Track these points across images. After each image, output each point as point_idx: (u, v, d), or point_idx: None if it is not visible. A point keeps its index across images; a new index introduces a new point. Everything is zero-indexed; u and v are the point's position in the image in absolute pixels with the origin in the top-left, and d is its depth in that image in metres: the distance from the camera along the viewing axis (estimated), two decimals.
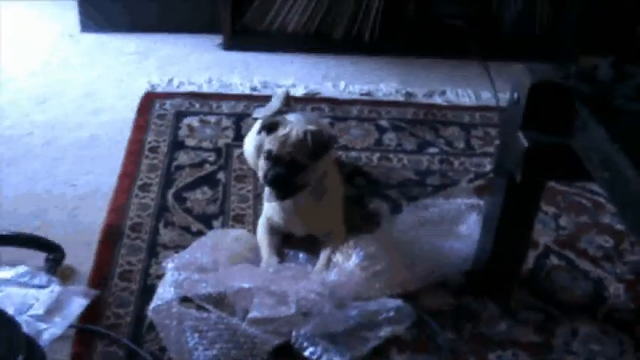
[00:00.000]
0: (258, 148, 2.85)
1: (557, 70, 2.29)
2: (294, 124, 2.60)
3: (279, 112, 2.98)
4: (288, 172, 2.55)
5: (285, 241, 2.74)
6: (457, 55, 3.99)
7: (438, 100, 3.70)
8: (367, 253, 2.53)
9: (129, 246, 2.74)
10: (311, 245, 2.74)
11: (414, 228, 2.77)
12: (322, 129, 2.75)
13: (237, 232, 2.74)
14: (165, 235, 2.78)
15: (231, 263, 2.55)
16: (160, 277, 2.58)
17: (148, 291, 2.55)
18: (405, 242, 2.69)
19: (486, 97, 3.70)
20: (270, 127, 2.62)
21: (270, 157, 2.57)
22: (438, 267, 2.63)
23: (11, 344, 1.82)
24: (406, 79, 3.84)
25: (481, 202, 2.88)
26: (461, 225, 2.80)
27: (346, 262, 2.53)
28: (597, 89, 2.15)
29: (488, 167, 3.23)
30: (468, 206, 2.88)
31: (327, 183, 2.70)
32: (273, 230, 2.74)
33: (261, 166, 2.66)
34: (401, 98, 3.68)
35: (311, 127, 2.60)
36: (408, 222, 2.81)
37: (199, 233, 2.77)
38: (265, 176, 2.58)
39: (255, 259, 2.66)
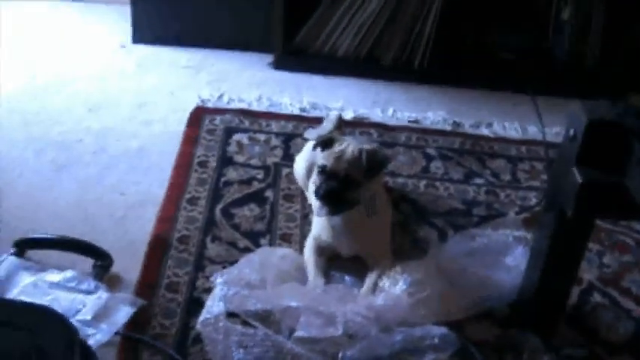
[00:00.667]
0: (310, 168, 2.89)
1: (612, 107, 2.30)
2: (350, 142, 2.63)
3: (331, 134, 2.95)
4: (342, 188, 2.57)
5: (331, 264, 2.75)
6: (506, 87, 3.96)
7: (484, 131, 3.65)
8: (414, 280, 2.54)
9: (176, 258, 2.75)
10: (357, 269, 2.74)
11: (461, 257, 2.77)
12: (377, 149, 2.77)
13: (284, 251, 2.74)
14: (212, 249, 2.78)
15: (278, 281, 2.54)
16: (206, 290, 2.60)
17: (194, 303, 2.57)
18: (451, 271, 2.68)
19: (533, 131, 3.65)
20: (325, 144, 2.65)
21: (324, 171, 2.59)
22: (483, 297, 2.61)
23: (69, 345, 1.85)
24: (454, 108, 3.81)
25: (528, 235, 2.87)
26: (508, 256, 2.79)
27: (393, 288, 2.54)
28: None
29: (534, 201, 3.22)
30: (515, 238, 2.87)
31: (377, 204, 2.71)
32: (320, 251, 2.74)
33: (314, 181, 2.70)
34: (448, 127, 3.66)
35: (367, 146, 2.63)
36: (455, 251, 2.81)
37: (246, 250, 2.77)
38: (318, 190, 2.59)
39: (301, 278, 2.66)
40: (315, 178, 2.67)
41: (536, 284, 2.54)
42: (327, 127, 3.11)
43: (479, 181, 3.34)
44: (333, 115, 3.22)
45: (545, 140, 3.50)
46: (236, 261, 2.68)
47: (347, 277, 2.69)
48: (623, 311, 2.76)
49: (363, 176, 2.59)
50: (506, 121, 3.75)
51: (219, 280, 2.52)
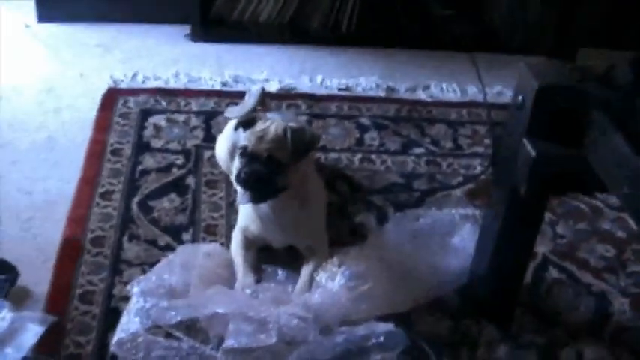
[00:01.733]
0: (232, 149, 2.63)
1: (564, 69, 2.07)
2: (274, 120, 2.41)
3: (254, 111, 2.71)
4: (265, 171, 2.33)
5: (261, 255, 2.53)
6: (441, 46, 3.80)
7: (421, 95, 3.49)
8: (354, 272, 2.30)
9: (90, 263, 2.49)
10: (290, 259, 2.52)
11: (404, 241, 2.54)
12: (304, 127, 2.57)
13: (209, 247, 2.50)
14: (130, 250, 2.54)
15: (203, 284, 2.29)
16: (124, 299, 2.33)
17: (111, 314, 2.31)
18: (394, 258, 2.46)
19: (473, 92, 3.51)
20: (247, 124, 2.41)
21: (245, 153, 2.35)
22: (431, 285, 2.41)
23: None
24: (388, 72, 3.64)
25: (476, 212, 2.67)
26: (455, 237, 2.57)
27: (331, 282, 2.30)
28: (616, 93, 1.91)
29: (479, 169, 3.03)
30: (462, 216, 2.65)
31: (309, 188, 2.49)
32: (248, 243, 2.51)
33: (236, 165, 2.43)
34: (382, 93, 3.48)
35: (292, 124, 2.41)
36: (398, 234, 2.58)
37: (167, 247, 2.55)
38: (239, 175, 2.34)
39: (229, 277, 2.42)
40: (236, 162, 2.44)
41: (487, 267, 2.32)
42: (249, 103, 2.82)
43: (418, 150, 3.13)
44: (255, 89, 2.91)
45: (487, 101, 3.36)
46: (157, 261, 2.44)
47: (280, 271, 2.47)
48: (582, 287, 2.57)
49: (289, 158, 2.34)
50: (443, 83, 3.59)
51: (135, 289, 2.25)
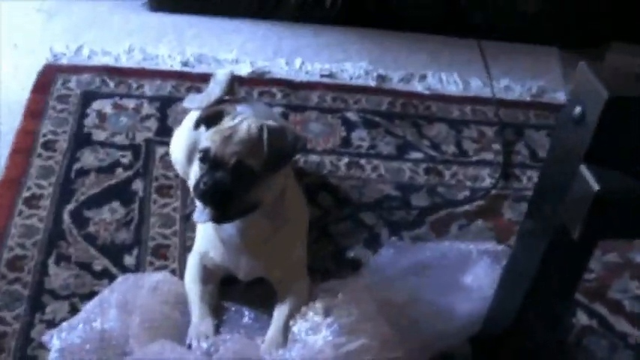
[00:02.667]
0: (192, 150, 2.20)
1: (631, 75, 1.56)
2: (246, 116, 1.95)
3: (220, 102, 2.21)
4: (232, 182, 1.86)
5: (223, 290, 2.08)
6: (442, 30, 3.28)
7: (418, 87, 3.01)
8: (343, 324, 1.80)
9: (3, 293, 2.02)
10: (260, 296, 2.08)
11: (404, 277, 2.09)
12: (285, 126, 2.10)
13: (156, 278, 2.03)
14: (57, 276, 2.08)
15: (146, 333, 1.81)
16: (45, 347, 1.86)
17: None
18: (393, 300, 1.99)
19: (477, 85, 3.03)
20: (210, 119, 1.96)
21: (207, 158, 1.88)
22: (439, 335, 1.97)
23: None
24: (378, 57, 3.13)
25: (499, 249, 2.22)
26: (467, 274, 2.12)
27: (313, 336, 1.80)
28: None
29: (488, 181, 2.59)
30: (480, 252, 2.17)
31: (286, 204, 2.02)
32: (207, 274, 2.04)
33: (195, 172, 1.98)
34: (372, 83, 2.98)
35: (270, 123, 1.95)
36: (396, 267, 2.12)
37: (104, 274, 2.10)
38: (198, 185, 1.87)
39: (180, 319, 1.96)
40: (195, 168, 2.00)
41: (512, 315, 1.86)
42: (214, 91, 2.30)
43: (416, 155, 2.67)
44: (222, 73, 2.38)
45: (495, 98, 2.95)
46: (91, 294, 1.99)
47: (247, 313, 2.01)
48: (617, 337, 2.16)
49: (263, 166, 1.88)
50: (443, 73, 3.08)
51: (55, 344, 1.73)
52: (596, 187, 1.49)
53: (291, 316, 1.93)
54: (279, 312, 1.97)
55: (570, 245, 1.63)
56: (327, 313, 1.85)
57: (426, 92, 2.99)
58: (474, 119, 2.87)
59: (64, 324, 1.85)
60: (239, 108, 2.07)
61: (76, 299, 2.00)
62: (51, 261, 2.11)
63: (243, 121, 1.91)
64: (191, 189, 2.04)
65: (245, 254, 2.01)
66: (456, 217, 2.43)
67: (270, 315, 1.99)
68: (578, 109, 1.54)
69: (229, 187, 1.86)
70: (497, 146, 2.73)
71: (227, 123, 1.91)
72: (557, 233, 1.65)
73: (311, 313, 1.85)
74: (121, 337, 1.80)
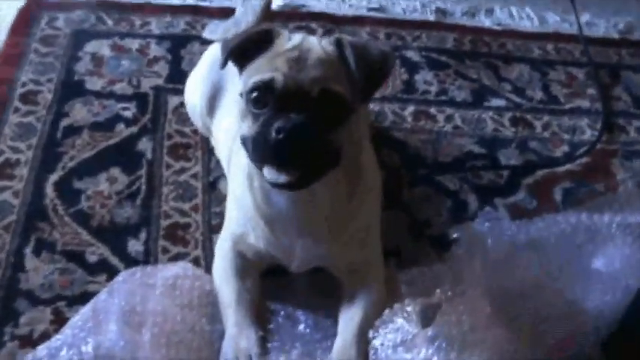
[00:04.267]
0: (213, 94, 1.79)
1: None
2: (304, 37, 1.49)
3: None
4: (318, 120, 1.38)
5: (267, 287, 1.57)
6: None
7: (485, 21, 2.59)
8: (451, 337, 1.23)
9: None
10: (320, 293, 1.58)
11: (513, 259, 1.60)
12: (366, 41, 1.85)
13: (173, 272, 1.52)
14: (37, 271, 1.58)
15: (163, 353, 1.22)
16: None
17: None
18: (509, 288, 1.53)
19: (554, 20, 2.63)
20: (245, 50, 1.47)
21: (270, 94, 1.40)
22: (569, 335, 1.51)
23: None
24: None
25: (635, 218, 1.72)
26: (598, 256, 1.63)
27: (405, 354, 1.25)
28: None
29: (588, 133, 2.14)
30: (611, 226, 1.67)
31: (363, 161, 1.55)
32: (246, 265, 1.55)
33: (248, 123, 1.43)
34: (431, 17, 2.55)
35: (345, 36, 1.49)
36: (501, 246, 1.63)
37: (101, 268, 1.61)
38: (263, 137, 1.38)
39: (210, 330, 1.45)
40: (248, 114, 1.43)
41: None
42: (245, 17, 1.86)
43: (497, 102, 2.22)
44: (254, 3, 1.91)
45: (582, 34, 2.53)
46: (83, 295, 1.52)
47: (302, 317, 1.52)
48: None
49: (352, 94, 1.41)
50: (512, 6, 2.69)
51: None
52: None
53: (367, 322, 1.44)
54: (349, 316, 1.48)
55: None
56: (424, 319, 1.29)
57: (497, 27, 2.56)
58: (559, 59, 2.44)
59: (40, 348, 1.35)
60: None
61: (61, 304, 1.52)
62: (28, 250, 1.64)
63: (306, 38, 1.46)
64: (246, 147, 1.45)
65: (303, 235, 1.50)
66: (558, 179, 2.00)
67: (335, 321, 1.51)
68: None
69: (316, 132, 1.37)
70: (591, 91, 2.30)
71: (284, 44, 1.44)
72: None
73: (400, 321, 1.30)
74: (126, 352, 1.25)
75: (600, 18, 2.67)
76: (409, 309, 1.32)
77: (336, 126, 1.38)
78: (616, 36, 2.58)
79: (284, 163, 1.37)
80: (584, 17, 2.64)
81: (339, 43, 1.42)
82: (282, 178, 1.37)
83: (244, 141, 1.42)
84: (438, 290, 1.38)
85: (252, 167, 1.44)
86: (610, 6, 2.71)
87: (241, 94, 1.43)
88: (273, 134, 1.35)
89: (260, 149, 1.39)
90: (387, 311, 1.40)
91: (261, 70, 1.41)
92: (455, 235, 1.70)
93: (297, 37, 1.44)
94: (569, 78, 2.35)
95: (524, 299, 1.51)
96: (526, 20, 2.65)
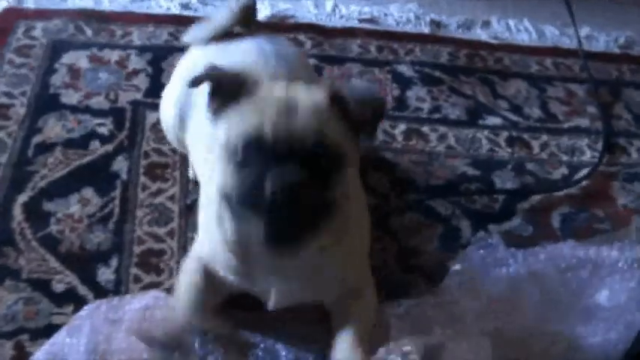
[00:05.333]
0: (184, 104, 1.65)
1: None
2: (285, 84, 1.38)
3: (228, 33, 1.75)
4: (313, 175, 1.28)
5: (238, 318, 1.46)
6: None
7: (482, 35, 2.51)
8: None
9: None
10: (303, 321, 1.49)
11: (510, 292, 1.54)
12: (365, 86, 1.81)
13: (144, 302, 1.41)
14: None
15: None
16: None
17: None
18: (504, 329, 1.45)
19: (553, 34, 2.57)
20: (220, 88, 1.34)
21: (260, 146, 1.27)
22: None
23: None
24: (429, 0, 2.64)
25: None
26: (601, 290, 1.56)
27: None
28: None
29: (588, 154, 2.06)
30: (615, 259, 1.60)
31: (351, 202, 1.42)
32: (216, 285, 1.43)
33: (231, 175, 1.30)
34: (425, 29, 2.47)
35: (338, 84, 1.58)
36: (496, 278, 1.57)
37: (69, 298, 1.51)
38: (254, 192, 1.26)
39: None
40: (225, 165, 1.31)
41: None
42: (221, 18, 1.77)
43: (493, 120, 2.12)
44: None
45: (582, 48, 2.42)
46: (48, 330, 1.42)
47: (283, 352, 1.43)
48: None
49: (347, 144, 1.33)
50: (509, 18, 2.61)
51: None
52: None
53: (365, 332, 1.40)
54: (338, 352, 1.38)
55: None
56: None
57: (494, 41, 2.48)
58: (557, 75, 2.37)
59: None
60: (255, 44, 1.67)
61: (24, 337, 1.41)
62: None
63: (292, 85, 1.35)
64: (229, 204, 1.33)
65: (282, 281, 1.40)
66: (556, 204, 1.90)
67: (317, 356, 1.43)
68: None
69: (313, 188, 1.27)
70: (591, 109, 2.23)
71: (268, 91, 1.32)
72: None
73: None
74: None
75: (601, 31, 2.58)
76: (407, 349, 1.22)
77: (332, 179, 1.28)
78: (617, 51, 2.51)
79: (276, 223, 1.26)
80: (584, 31, 2.58)
81: (334, 90, 1.31)
82: (274, 238, 1.27)
83: (227, 197, 1.30)
84: (437, 330, 1.30)
85: (227, 212, 1.33)
86: (610, 19, 2.65)
87: (221, 144, 1.31)
88: (267, 194, 1.24)
89: (249, 208, 1.27)
90: (381, 350, 1.29)
91: (246, 120, 1.29)
92: (456, 267, 1.58)
93: (281, 84, 1.34)
94: (569, 95, 2.28)
95: (527, 343, 1.42)
96: (524, 33, 2.58)
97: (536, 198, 1.89)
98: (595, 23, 2.62)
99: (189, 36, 1.82)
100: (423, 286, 1.59)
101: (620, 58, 2.46)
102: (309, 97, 1.31)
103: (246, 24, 1.77)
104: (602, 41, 2.55)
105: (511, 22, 2.60)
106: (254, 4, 1.81)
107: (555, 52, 2.47)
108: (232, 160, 1.29)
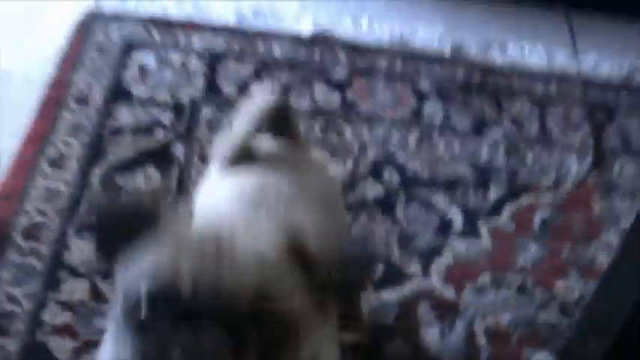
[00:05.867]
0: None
1: None
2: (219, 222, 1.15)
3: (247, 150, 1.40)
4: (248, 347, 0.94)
5: None
6: None
7: (497, 57, 2.67)
8: None
9: (16, 266, 1.75)
10: None
11: None
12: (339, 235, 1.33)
13: None
14: (79, 250, 1.79)
15: None
16: (59, 331, 1.62)
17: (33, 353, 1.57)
18: None
19: (562, 60, 2.69)
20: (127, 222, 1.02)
21: (170, 305, 0.93)
22: None
23: None
24: (454, 22, 2.77)
25: None
26: None
27: None
28: None
29: (574, 168, 2.29)
30: None
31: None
32: None
33: (123, 340, 0.97)
34: (447, 48, 2.65)
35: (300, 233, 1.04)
36: None
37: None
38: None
39: None
40: (118, 328, 1.00)
41: (612, 328, 1.57)
42: (241, 128, 1.43)
43: (496, 132, 2.36)
44: (257, 102, 1.46)
45: (581, 73, 2.63)
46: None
47: None
48: None
49: (302, 312, 0.98)
50: (525, 42, 2.75)
51: None
52: None
53: None
54: None
55: None
56: None
57: (507, 64, 2.66)
58: (559, 97, 2.56)
59: None
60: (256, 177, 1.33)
61: (98, 278, 1.73)
62: (73, 231, 1.83)
63: (232, 224, 1.10)
64: None
65: None
66: (539, 207, 2.14)
67: None
68: None
69: None
70: (585, 129, 2.44)
71: (193, 229, 1.02)
72: None
73: None
74: None
75: (605, 60, 2.69)
76: None
77: (275, 350, 0.94)
78: (618, 79, 2.65)
79: None
80: (591, 58, 2.71)
81: (293, 241, 0.99)
82: None
83: None
84: None
85: None
86: (618, 47, 2.78)
87: (118, 300, 0.96)
88: None
89: None
90: None
91: (154, 266, 0.94)
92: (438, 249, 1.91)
93: (223, 222, 1.09)
94: (566, 115, 2.46)
95: None
96: (536, 56, 2.70)
97: (523, 201, 2.12)
98: (603, 51, 2.74)
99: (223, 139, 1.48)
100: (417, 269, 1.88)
101: (621, 87, 2.61)
102: (253, 240, 0.98)
103: (280, 132, 1.45)
104: (605, 69, 2.67)
105: (526, 46, 2.73)
106: (286, 104, 1.51)
107: (561, 77, 2.61)
108: (130, 320, 0.94)
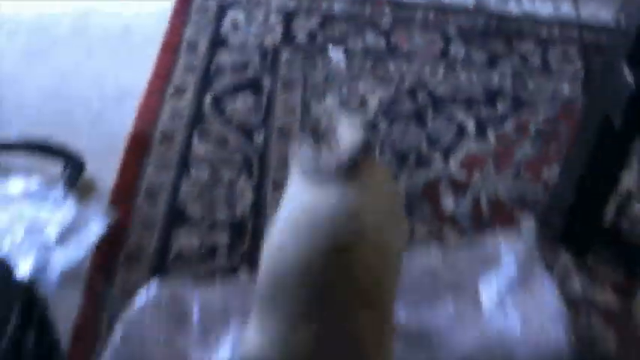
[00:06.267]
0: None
1: None
2: None
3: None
4: None
5: None
6: None
7: (513, 8, 3.24)
8: None
9: (158, 158, 2.45)
10: None
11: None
12: None
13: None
14: (200, 147, 2.47)
15: None
16: (190, 201, 2.31)
17: (176, 215, 2.27)
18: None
19: (567, 10, 3.20)
20: None
21: None
22: None
23: (6, 294, 1.48)
24: None
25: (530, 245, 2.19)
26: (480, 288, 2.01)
27: None
28: None
29: (567, 92, 2.84)
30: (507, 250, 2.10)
31: None
32: None
33: None
34: (470, 6, 3.24)
35: None
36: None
37: (237, 148, 2.46)
38: None
39: None
40: None
41: (569, 197, 2.21)
42: (347, 135, 1.49)
43: (506, 65, 2.94)
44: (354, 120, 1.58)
45: (580, 21, 3.17)
46: (228, 162, 2.38)
47: None
48: None
49: None
50: None
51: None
52: (632, 83, 1.84)
53: None
54: None
55: (615, 136, 1.99)
56: None
57: (520, 14, 3.20)
58: (560, 39, 3.10)
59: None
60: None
61: (215, 164, 2.40)
62: (195, 136, 2.47)
63: None
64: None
65: None
66: (535, 119, 2.67)
67: None
68: (622, 17, 1.90)
69: None
70: (578, 65, 2.98)
71: None
72: (604, 123, 1.99)
73: None
74: None
75: (602, 9, 3.15)
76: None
77: None
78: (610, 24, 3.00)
79: None
80: (592, 6, 3.19)
81: None
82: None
83: None
84: None
85: None
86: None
87: None
88: None
89: None
90: None
91: None
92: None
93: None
94: (564, 53, 2.99)
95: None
96: (545, 8, 3.22)
97: (523, 117, 2.69)
98: (603, 1, 3.20)
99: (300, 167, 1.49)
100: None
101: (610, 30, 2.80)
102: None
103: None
104: (602, 16, 3.12)
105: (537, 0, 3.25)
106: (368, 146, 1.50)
107: (563, 25, 3.12)
108: None
